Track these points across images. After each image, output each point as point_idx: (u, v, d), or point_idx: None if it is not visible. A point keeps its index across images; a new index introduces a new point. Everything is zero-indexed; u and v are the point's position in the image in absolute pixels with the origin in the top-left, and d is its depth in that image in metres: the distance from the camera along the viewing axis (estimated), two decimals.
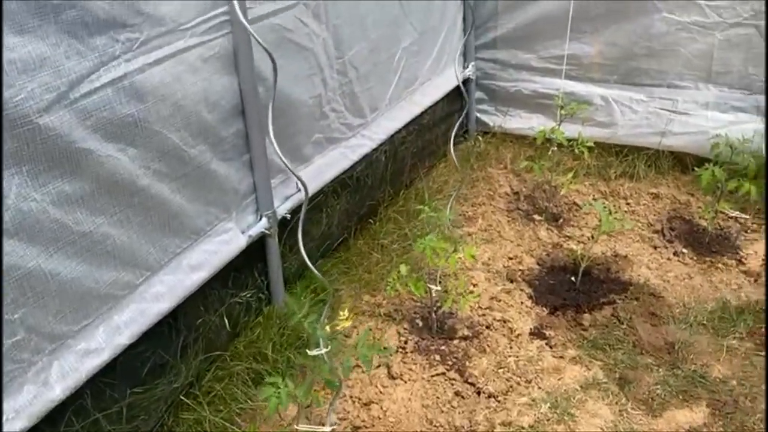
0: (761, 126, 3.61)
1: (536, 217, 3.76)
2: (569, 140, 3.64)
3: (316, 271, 1.70)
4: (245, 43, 2.34)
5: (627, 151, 4.05)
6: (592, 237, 3.52)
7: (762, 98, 3.60)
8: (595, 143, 4.08)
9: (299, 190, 2.80)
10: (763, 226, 3.51)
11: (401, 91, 3.60)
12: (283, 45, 2.64)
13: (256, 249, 2.67)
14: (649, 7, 3.67)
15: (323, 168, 2.99)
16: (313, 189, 2.90)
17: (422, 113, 3.79)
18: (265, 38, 2.54)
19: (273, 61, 1.62)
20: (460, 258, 2.85)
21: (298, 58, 2.73)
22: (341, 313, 1.91)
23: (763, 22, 3.44)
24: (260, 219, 2.62)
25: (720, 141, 3.31)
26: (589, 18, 3.83)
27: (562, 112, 3.54)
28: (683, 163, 3.95)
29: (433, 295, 2.89)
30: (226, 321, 2.54)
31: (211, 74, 2.29)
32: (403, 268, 2.81)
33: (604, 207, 3.56)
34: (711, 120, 3.75)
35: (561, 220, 3.73)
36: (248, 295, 2.63)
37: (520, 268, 3.37)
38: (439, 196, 3.88)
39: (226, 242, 2.44)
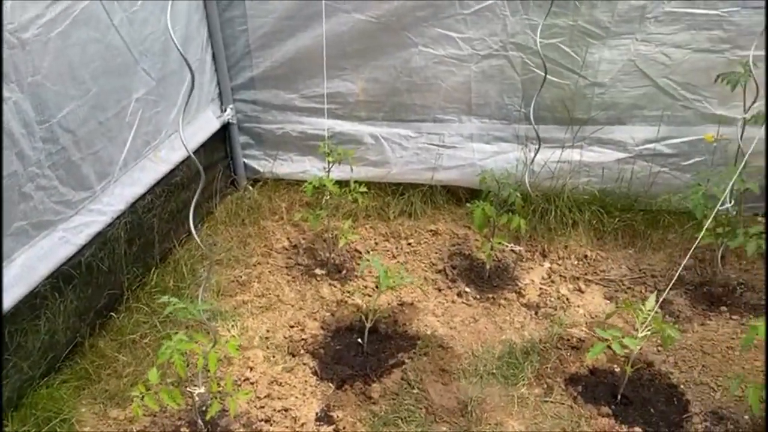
0: (522, 154, 3.66)
1: (318, 271, 3.44)
2: (344, 183, 3.35)
3: None
4: None
5: (403, 188, 3.91)
6: (377, 287, 3.28)
7: (520, 127, 3.65)
8: (371, 183, 3.89)
9: None
10: (537, 254, 3.55)
11: (141, 149, 3.06)
12: None
13: None
14: (405, 41, 3.54)
15: (33, 262, 2.35)
16: (18, 294, 2.26)
17: (173, 170, 3.27)
18: None
19: None
20: (233, 341, 2.41)
21: None
22: None
23: (514, 53, 3.48)
24: None
25: (486, 175, 3.25)
26: (347, 54, 3.61)
27: (330, 158, 3.25)
28: (457, 196, 3.90)
29: (197, 398, 2.41)
30: None
31: None
32: (153, 375, 2.29)
33: (385, 259, 3.38)
34: (477, 152, 3.73)
35: (344, 271, 3.45)
36: None
37: (303, 336, 3.01)
38: (206, 263, 3.39)
39: None
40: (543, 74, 3.12)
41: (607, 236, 3.60)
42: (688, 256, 2.60)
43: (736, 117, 3.29)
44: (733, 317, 3.06)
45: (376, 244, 3.68)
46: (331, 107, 3.76)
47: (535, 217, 3.60)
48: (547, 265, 3.48)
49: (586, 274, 3.41)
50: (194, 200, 2.04)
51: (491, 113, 3.67)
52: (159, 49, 3.11)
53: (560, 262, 3.49)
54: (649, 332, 2.50)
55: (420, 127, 3.78)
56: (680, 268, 2.69)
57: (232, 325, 3.04)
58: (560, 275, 3.40)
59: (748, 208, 3.58)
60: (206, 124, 3.65)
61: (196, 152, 3.55)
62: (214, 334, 2.32)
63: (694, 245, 2.58)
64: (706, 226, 2.61)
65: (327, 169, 3.30)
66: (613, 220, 3.60)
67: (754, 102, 2.92)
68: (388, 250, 3.63)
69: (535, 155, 3.34)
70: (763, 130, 2.71)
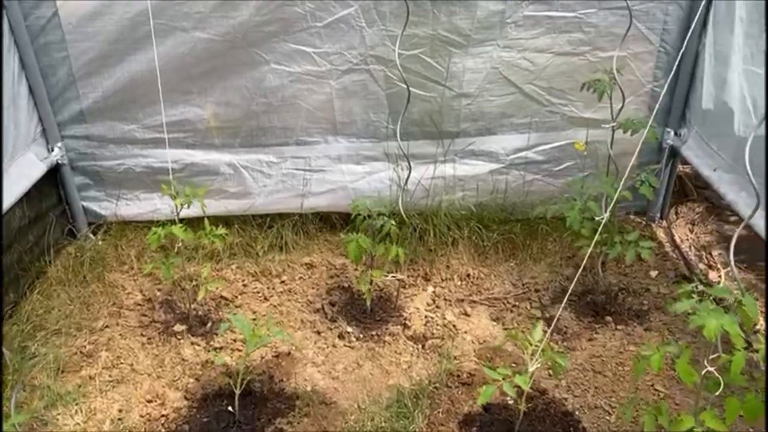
0: (394, 174, 3.43)
1: (178, 327, 3.02)
2: (202, 220, 2.94)
3: None
4: None
5: (271, 220, 3.56)
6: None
7: (390, 144, 3.40)
8: (233, 217, 3.52)
9: None
10: (419, 278, 3.34)
11: None
12: None
13: None
14: (255, 59, 3.18)
15: None
16: None
17: None
18: None
19: None
20: None
21: None
22: None
23: (375, 67, 3.21)
24: None
25: (359, 204, 2.96)
26: (192, 77, 3.20)
27: (177, 202, 2.82)
28: (331, 222, 3.62)
29: None
30: None
31: None
32: None
33: (255, 303, 3.04)
34: (347, 174, 3.46)
35: (209, 324, 3.05)
36: None
37: (164, 412, 2.60)
38: (42, 334, 2.89)
39: None
40: (407, 88, 2.89)
41: (488, 251, 3.45)
42: (576, 278, 2.47)
43: (602, 119, 3.23)
44: (619, 327, 2.99)
45: (245, 286, 3.31)
46: (179, 136, 3.35)
47: (413, 240, 3.39)
48: (430, 289, 3.28)
49: (470, 294, 3.24)
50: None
51: (358, 132, 3.40)
52: None
53: (443, 284, 3.30)
54: (539, 364, 2.34)
55: (282, 152, 3.44)
56: (569, 290, 2.57)
57: (76, 411, 2.57)
58: (444, 299, 3.21)
59: (621, 208, 3.59)
60: (28, 169, 3.11)
61: (18, 204, 3.01)
62: None
63: (583, 264, 2.46)
64: (593, 244, 2.47)
65: (176, 213, 2.87)
66: (492, 234, 3.46)
67: (621, 107, 2.84)
68: (258, 292, 3.27)
69: (409, 175, 3.10)
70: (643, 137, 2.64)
